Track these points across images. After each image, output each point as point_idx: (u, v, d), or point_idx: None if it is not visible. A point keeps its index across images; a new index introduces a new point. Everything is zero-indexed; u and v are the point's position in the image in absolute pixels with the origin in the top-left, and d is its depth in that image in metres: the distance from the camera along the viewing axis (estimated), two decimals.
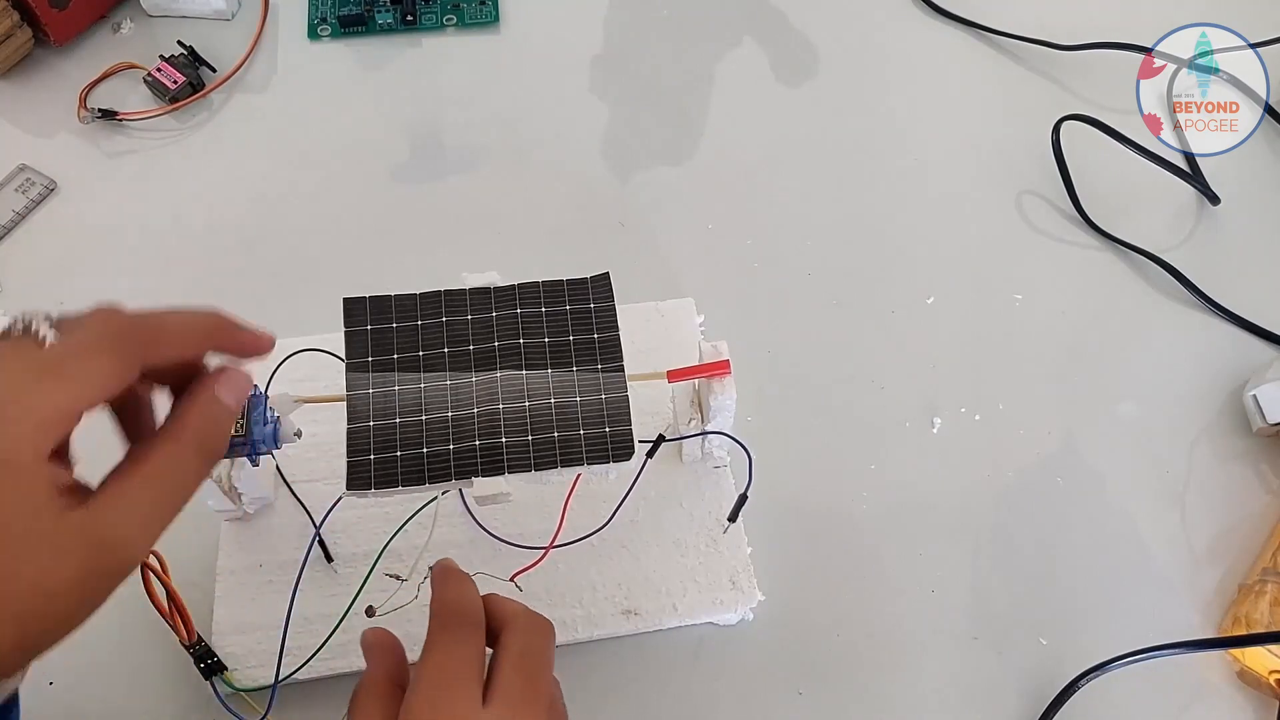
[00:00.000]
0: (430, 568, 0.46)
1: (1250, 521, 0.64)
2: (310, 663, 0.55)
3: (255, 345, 0.42)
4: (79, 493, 0.35)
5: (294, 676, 0.55)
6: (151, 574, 0.48)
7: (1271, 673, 0.57)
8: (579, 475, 0.54)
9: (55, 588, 0.33)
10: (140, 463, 0.36)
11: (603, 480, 0.55)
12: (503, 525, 0.59)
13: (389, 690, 0.41)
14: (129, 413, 0.40)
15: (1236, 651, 0.59)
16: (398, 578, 0.49)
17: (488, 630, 0.43)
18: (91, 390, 0.35)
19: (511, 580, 0.53)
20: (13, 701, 0.37)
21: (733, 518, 0.59)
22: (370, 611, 0.48)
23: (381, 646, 0.43)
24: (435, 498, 0.55)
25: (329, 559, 0.59)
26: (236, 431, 0.50)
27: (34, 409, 0.33)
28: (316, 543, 0.58)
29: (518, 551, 0.58)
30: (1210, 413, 0.68)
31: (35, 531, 0.32)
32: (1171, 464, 0.66)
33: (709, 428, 0.58)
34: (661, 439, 0.58)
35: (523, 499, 0.59)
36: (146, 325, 0.37)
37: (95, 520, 0.34)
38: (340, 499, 0.56)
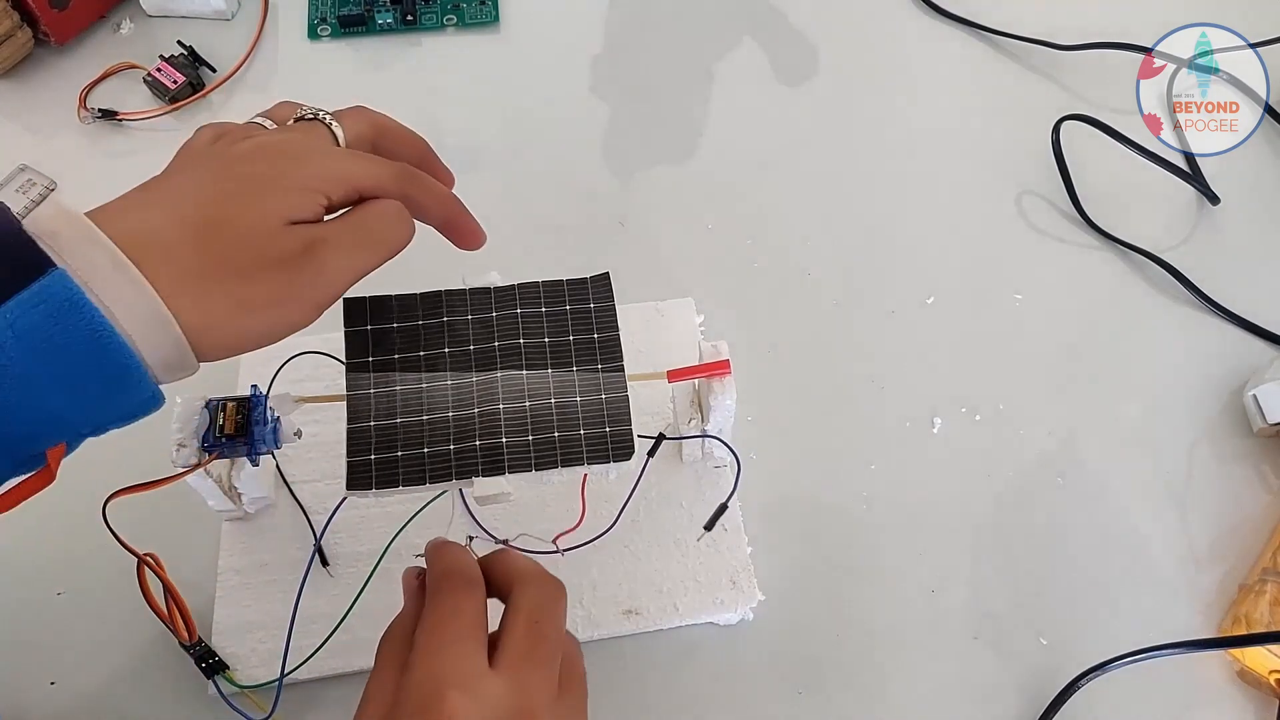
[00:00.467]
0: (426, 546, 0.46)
1: (1250, 521, 0.64)
2: (312, 661, 0.55)
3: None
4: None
5: (295, 675, 0.55)
6: (149, 573, 0.48)
7: (1271, 672, 0.57)
8: (586, 475, 0.55)
9: (278, 271, 0.41)
10: (357, 212, 0.44)
11: (603, 480, 0.56)
12: (504, 527, 0.59)
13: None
14: None
15: (1236, 651, 0.58)
16: None
17: (498, 589, 0.43)
18: (374, 180, 0.45)
19: None
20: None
21: (709, 526, 0.59)
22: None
23: (414, 592, 0.44)
24: (433, 499, 0.56)
25: (324, 563, 0.59)
26: (236, 430, 0.50)
27: (331, 162, 0.44)
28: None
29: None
30: (1210, 413, 0.68)
31: (273, 229, 0.41)
32: (1171, 464, 0.66)
33: (709, 428, 0.58)
34: (662, 438, 0.58)
35: (523, 499, 0.59)
36: (417, 173, 0.47)
37: (314, 231, 0.42)
38: (340, 505, 0.57)
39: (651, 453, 0.59)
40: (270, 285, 0.40)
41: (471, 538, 0.46)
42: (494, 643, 0.41)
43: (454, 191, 0.50)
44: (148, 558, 0.49)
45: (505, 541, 0.55)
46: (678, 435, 0.60)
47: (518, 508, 0.60)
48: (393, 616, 0.44)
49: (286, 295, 0.41)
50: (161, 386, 0.40)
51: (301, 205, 0.42)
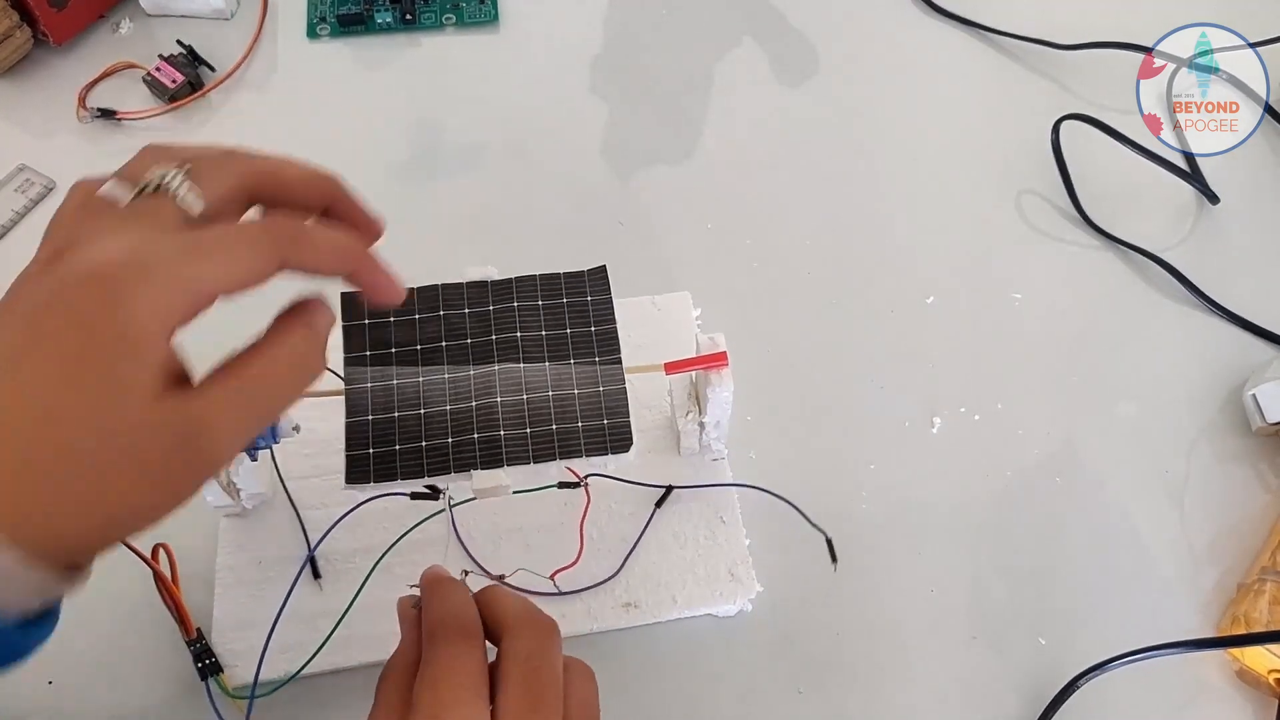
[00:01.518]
0: (421, 577, 0.44)
1: (1249, 521, 0.64)
2: (313, 660, 0.55)
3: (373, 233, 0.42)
4: (181, 380, 0.34)
5: (291, 672, 0.55)
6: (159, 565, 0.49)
7: (1271, 672, 0.57)
8: (586, 510, 0.56)
9: (142, 469, 0.32)
10: (241, 369, 0.35)
11: (603, 521, 0.57)
12: (501, 561, 0.58)
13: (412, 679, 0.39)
14: None
15: (1236, 651, 0.58)
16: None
17: (489, 634, 0.41)
18: (236, 278, 0.34)
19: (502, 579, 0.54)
20: (53, 612, 0.35)
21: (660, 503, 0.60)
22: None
23: (412, 625, 0.42)
24: (423, 519, 0.55)
25: (316, 575, 0.59)
26: None
27: (176, 282, 0.33)
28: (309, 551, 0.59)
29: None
30: (1210, 412, 0.68)
31: (134, 408, 0.32)
32: (1171, 464, 0.66)
33: (706, 420, 0.58)
34: (670, 489, 0.60)
35: (523, 532, 0.60)
36: (296, 230, 0.37)
37: (191, 410, 0.33)
38: (338, 521, 0.57)
39: (660, 503, 0.60)
40: (131, 488, 0.32)
41: (466, 572, 0.45)
42: (492, 692, 0.39)
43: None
44: (160, 547, 0.50)
45: (501, 577, 0.54)
46: (689, 484, 0.61)
47: (514, 542, 0.60)
48: (379, 610, 0.43)
49: (155, 497, 0.33)
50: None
51: (153, 363, 0.32)
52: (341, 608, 0.56)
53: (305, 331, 0.38)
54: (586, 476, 0.56)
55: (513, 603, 0.42)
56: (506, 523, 0.60)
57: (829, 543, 0.61)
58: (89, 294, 0.32)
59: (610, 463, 0.49)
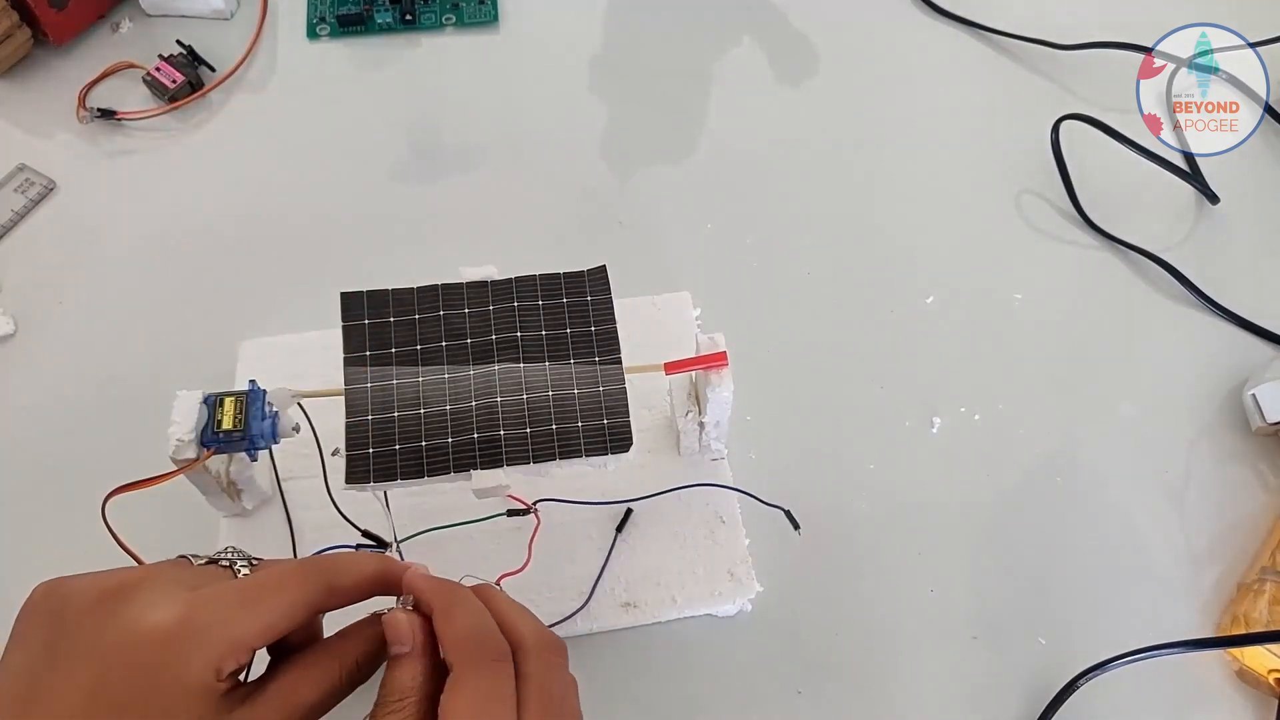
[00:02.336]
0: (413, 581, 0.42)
1: (1249, 520, 0.64)
2: None
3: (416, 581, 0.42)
4: (234, 694, 0.37)
5: None
6: None
7: (1270, 672, 0.57)
8: (536, 529, 0.55)
9: None
10: (289, 691, 0.39)
11: (570, 559, 0.57)
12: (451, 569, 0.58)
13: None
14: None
15: (1235, 651, 0.58)
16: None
17: None
18: (283, 622, 0.38)
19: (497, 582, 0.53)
20: None
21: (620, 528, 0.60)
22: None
23: (423, 649, 0.40)
24: (414, 535, 0.56)
25: None
26: (235, 425, 0.50)
27: (230, 635, 0.36)
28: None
29: None
30: (1209, 412, 0.68)
31: None
32: (1170, 463, 0.66)
33: (706, 419, 0.58)
34: (629, 512, 0.60)
35: (473, 543, 0.59)
36: (330, 568, 0.40)
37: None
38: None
39: (620, 527, 0.60)
40: None
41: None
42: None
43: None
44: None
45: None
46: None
47: (467, 553, 0.59)
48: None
49: None
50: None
51: (205, 701, 0.36)
52: None
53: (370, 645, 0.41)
54: (536, 503, 0.56)
55: (525, 620, 0.41)
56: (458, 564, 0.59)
57: (788, 514, 0.59)
58: (153, 652, 0.36)
59: (611, 462, 0.49)
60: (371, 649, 0.40)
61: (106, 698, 0.35)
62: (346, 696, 0.39)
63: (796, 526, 0.59)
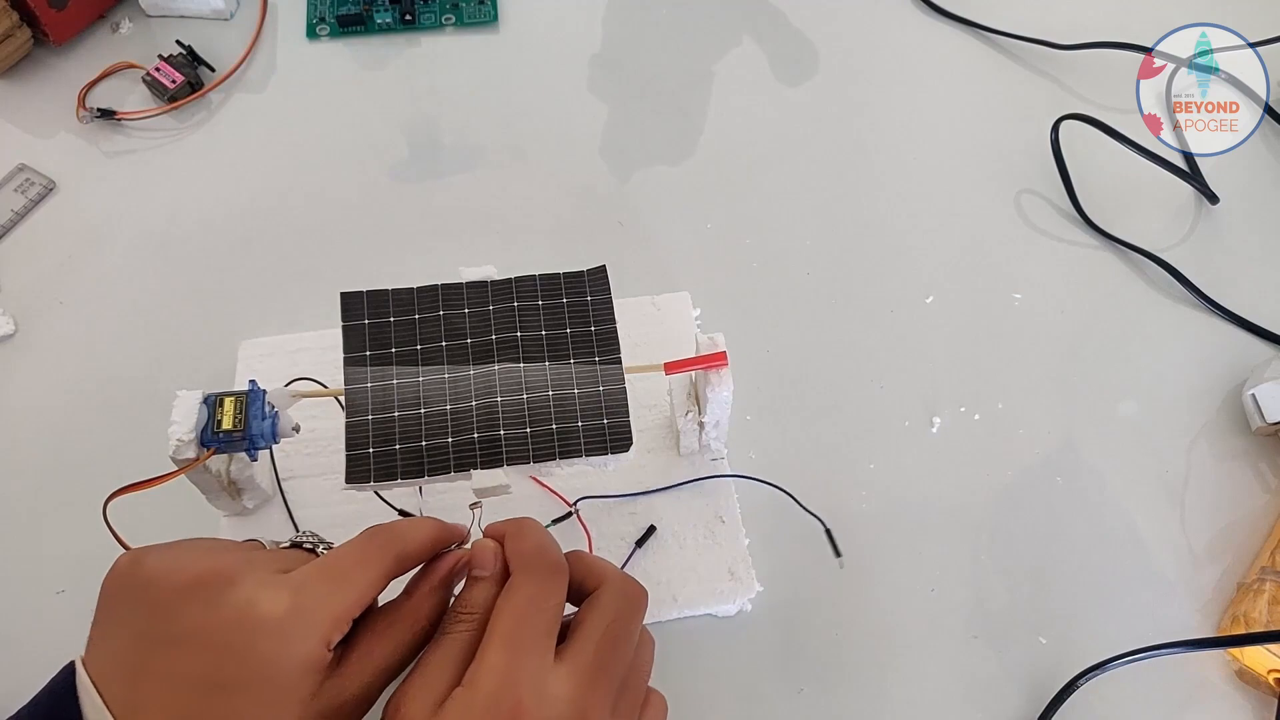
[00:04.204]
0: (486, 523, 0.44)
1: (1249, 520, 0.64)
2: None
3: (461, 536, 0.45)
4: (334, 664, 0.40)
5: None
6: None
7: (1270, 672, 0.57)
8: (590, 542, 0.56)
9: None
10: (372, 639, 0.41)
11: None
12: None
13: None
14: None
15: (1235, 650, 0.58)
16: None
17: (577, 587, 0.43)
18: (370, 592, 0.41)
19: None
20: None
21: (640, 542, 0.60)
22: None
23: (497, 558, 0.43)
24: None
25: None
26: (235, 425, 0.50)
27: (333, 612, 0.39)
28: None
29: None
30: (1209, 412, 0.68)
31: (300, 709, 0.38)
32: (1170, 463, 0.66)
33: (706, 419, 0.58)
34: (652, 529, 0.60)
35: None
36: (399, 536, 0.42)
37: (339, 688, 0.39)
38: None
39: (640, 542, 0.60)
40: None
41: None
42: (561, 638, 0.40)
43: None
44: None
45: None
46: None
47: None
48: None
49: None
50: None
51: (313, 677, 0.39)
52: None
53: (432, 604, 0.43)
54: (577, 502, 0.56)
55: (607, 564, 0.44)
56: None
57: (828, 533, 0.60)
58: (269, 637, 0.38)
59: (611, 463, 0.49)
60: (438, 604, 0.42)
61: (220, 679, 0.37)
62: (419, 653, 0.41)
63: (838, 553, 0.60)
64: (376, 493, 0.53)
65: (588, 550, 0.59)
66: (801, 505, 0.61)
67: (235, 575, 0.39)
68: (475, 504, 0.46)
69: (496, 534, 0.43)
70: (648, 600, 0.43)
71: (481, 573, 0.42)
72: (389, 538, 0.42)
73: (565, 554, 0.43)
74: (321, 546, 0.44)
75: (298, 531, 0.44)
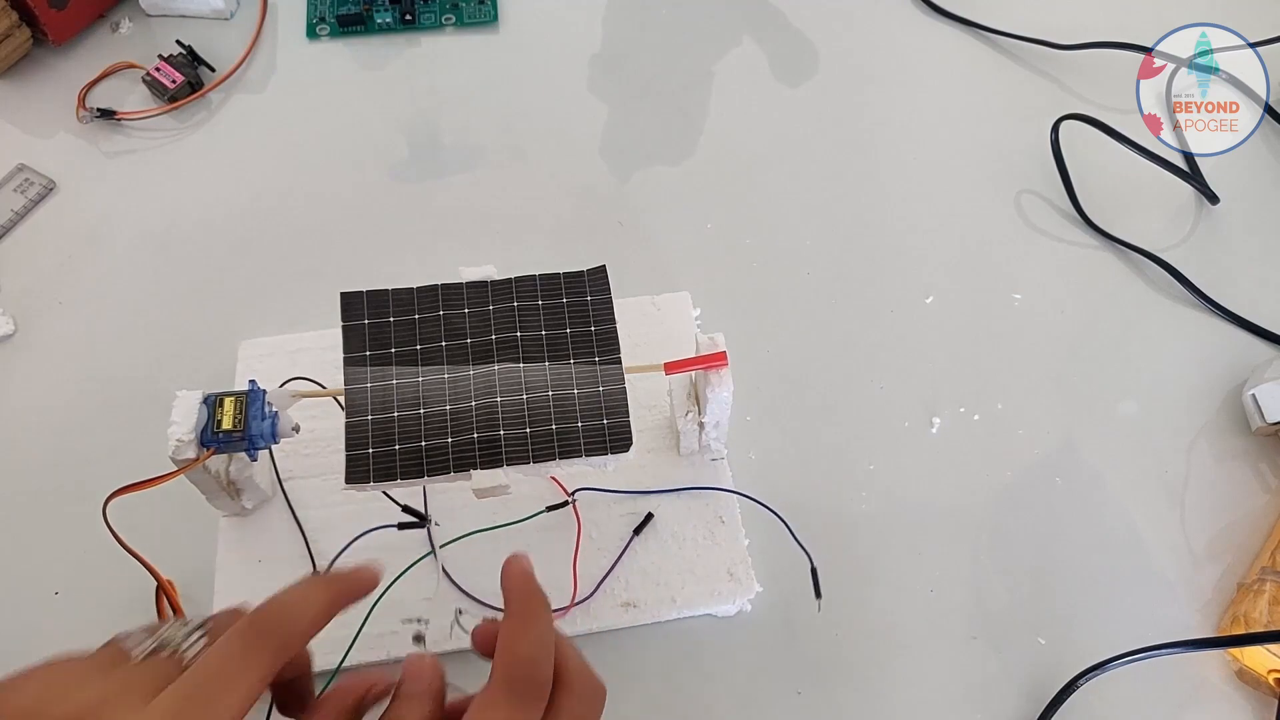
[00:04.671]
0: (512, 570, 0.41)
1: (1249, 520, 0.64)
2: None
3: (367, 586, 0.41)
4: None
5: None
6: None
7: (1270, 672, 0.57)
8: (578, 547, 0.56)
9: None
10: None
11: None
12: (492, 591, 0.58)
13: None
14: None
15: (1235, 651, 0.58)
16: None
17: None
18: (247, 702, 0.35)
19: None
20: None
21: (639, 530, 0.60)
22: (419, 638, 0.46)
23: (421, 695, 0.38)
24: (416, 560, 0.56)
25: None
26: (235, 425, 0.50)
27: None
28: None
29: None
30: (1209, 412, 0.68)
31: None
32: (1170, 463, 0.66)
33: (705, 419, 0.58)
34: (650, 517, 0.60)
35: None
36: (277, 624, 0.37)
37: None
38: (347, 547, 0.57)
39: (639, 530, 0.60)
40: None
41: (460, 611, 0.45)
42: None
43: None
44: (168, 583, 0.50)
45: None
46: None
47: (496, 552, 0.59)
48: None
49: None
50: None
51: None
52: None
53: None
54: (575, 492, 0.56)
55: (568, 659, 0.40)
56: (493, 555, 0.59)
57: (813, 571, 0.59)
58: None
59: (610, 463, 0.49)
60: (369, 699, 0.39)
61: None
62: None
63: (819, 594, 0.59)
64: (384, 491, 0.53)
65: (576, 539, 0.58)
66: (794, 537, 0.60)
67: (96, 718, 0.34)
68: (419, 636, 0.44)
69: (508, 596, 0.40)
70: (605, 697, 0.40)
71: (415, 687, 0.38)
72: (265, 627, 0.36)
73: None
74: (190, 645, 0.37)
75: (162, 622, 0.38)
